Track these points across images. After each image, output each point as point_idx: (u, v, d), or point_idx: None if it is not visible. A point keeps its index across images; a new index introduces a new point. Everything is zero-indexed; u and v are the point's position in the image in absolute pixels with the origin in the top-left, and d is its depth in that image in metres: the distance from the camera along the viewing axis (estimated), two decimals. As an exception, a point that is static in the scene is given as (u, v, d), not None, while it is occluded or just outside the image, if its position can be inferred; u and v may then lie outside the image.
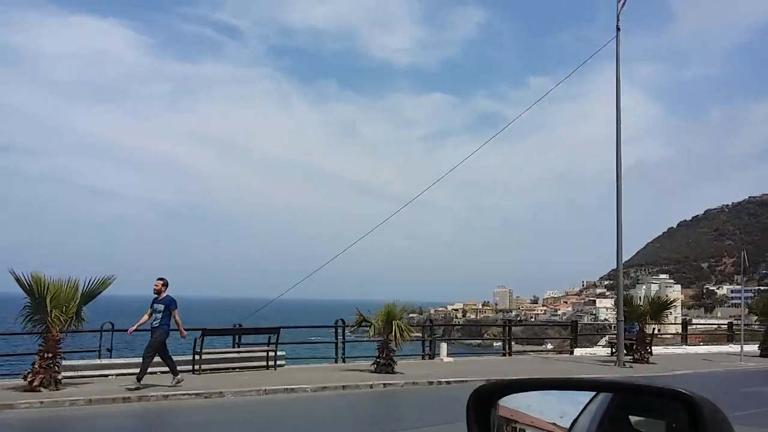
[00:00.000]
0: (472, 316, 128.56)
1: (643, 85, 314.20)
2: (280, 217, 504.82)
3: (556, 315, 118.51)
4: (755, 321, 25.64)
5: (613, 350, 19.54)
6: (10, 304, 14.86)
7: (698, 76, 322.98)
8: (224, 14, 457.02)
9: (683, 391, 1.46)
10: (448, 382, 14.33)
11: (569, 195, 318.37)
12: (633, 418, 1.64)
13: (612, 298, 76.33)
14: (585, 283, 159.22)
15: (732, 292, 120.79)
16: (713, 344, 28.42)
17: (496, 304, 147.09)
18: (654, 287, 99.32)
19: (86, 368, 13.80)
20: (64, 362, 13.67)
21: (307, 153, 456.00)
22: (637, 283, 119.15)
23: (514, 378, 1.77)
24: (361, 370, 15.52)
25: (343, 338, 17.98)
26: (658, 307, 19.90)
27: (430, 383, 14.19)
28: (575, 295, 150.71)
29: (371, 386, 13.43)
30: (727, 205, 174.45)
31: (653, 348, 21.29)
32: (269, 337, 15.95)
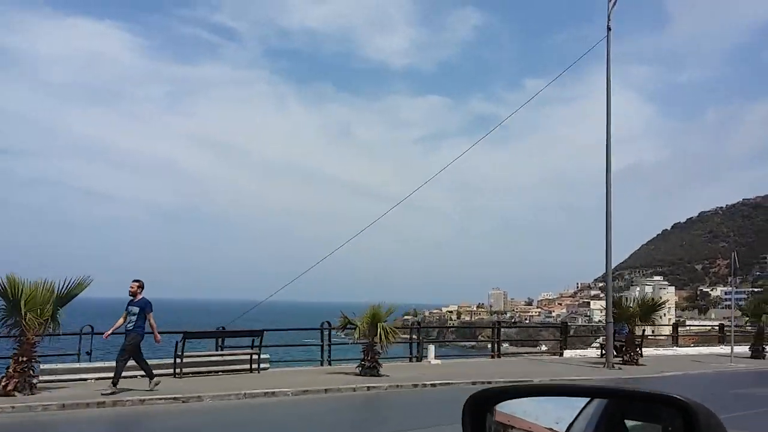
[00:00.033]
0: (467, 318, 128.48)
1: (638, 86, 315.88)
2: (277, 219, 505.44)
3: (551, 317, 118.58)
4: (746, 323, 25.53)
5: (603, 352, 19.39)
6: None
7: (693, 77, 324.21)
8: (222, 16, 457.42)
9: (678, 397, 1.46)
10: (433, 385, 14.13)
11: (565, 197, 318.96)
12: (629, 423, 1.65)
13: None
14: (579, 285, 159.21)
15: (726, 293, 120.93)
16: (705, 346, 28.30)
17: (491, 306, 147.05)
18: (648, 289, 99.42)
19: (65, 372, 13.56)
20: (42, 366, 13.46)
21: (304, 155, 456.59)
22: (631, 285, 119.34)
23: (510, 384, 1.79)
24: (346, 373, 15.30)
25: (329, 341, 17.73)
26: (648, 309, 19.76)
27: (415, 386, 13.98)
28: (569, 296, 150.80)
29: (354, 389, 13.22)
30: (721, 207, 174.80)
31: (644, 349, 21.20)
32: (252, 340, 15.71)
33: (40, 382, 12.83)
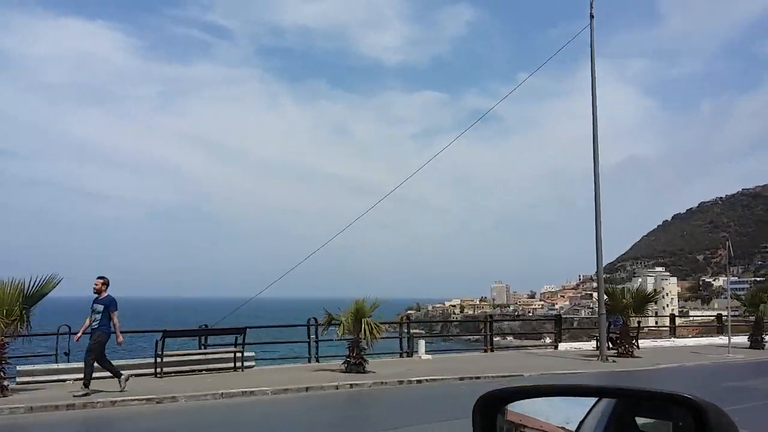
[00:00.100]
0: (470, 312, 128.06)
1: (636, 80, 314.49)
2: (273, 218, 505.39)
3: (554, 309, 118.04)
4: (744, 311, 25.13)
5: (598, 344, 18.99)
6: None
7: (690, 70, 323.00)
8: (214, 15, 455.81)
9: (689, 396, 1.47)
10: (419, 381, 13.75)
11: (565, 190, 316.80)
12: (639, 420, 1.65)
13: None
14: (582, 277, 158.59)
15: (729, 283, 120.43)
16: (705, 336, 27.90)
17: (494, 300, 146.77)
18: (650, 280, 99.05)
19: (41, 373, 13.27)
20: (18, 368, 13.15)
21: (299, 153, 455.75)
22: (633, 276, 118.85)
23: (521, 385, 1.76)
24: (332, 370, 14.94)
25: (316, 337, 17.36)
26: (641, 300, 19.36)
27: (400, 382, 13.58)
28: (572, 289, 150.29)
29: (337, 387, 12.84)
30: (721, 197, 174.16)
31: (641, 341, 20.80)
32: (236, 338, 15.35)
33: (18, 384, 12.55)
